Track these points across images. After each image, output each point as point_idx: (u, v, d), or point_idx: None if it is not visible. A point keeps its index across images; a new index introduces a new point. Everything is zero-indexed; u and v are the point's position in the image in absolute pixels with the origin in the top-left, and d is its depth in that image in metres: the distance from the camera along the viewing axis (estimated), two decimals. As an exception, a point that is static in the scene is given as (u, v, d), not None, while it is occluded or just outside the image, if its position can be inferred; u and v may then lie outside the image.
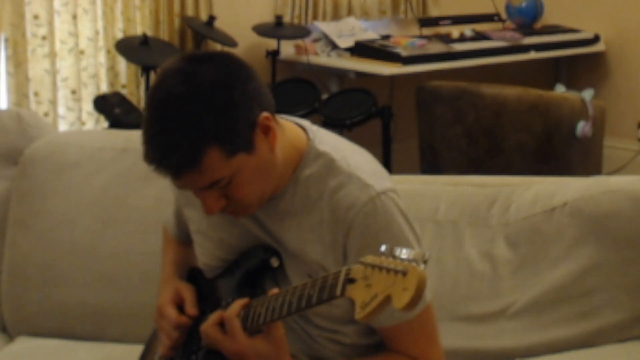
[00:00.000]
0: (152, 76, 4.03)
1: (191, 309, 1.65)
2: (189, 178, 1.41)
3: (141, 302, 2.04)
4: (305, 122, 1.61)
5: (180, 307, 1.67)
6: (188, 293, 1.68)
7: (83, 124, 4.08)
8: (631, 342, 1.81)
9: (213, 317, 1.50)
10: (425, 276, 1.15)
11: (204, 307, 1.67)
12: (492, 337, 1.85)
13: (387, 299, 1.17)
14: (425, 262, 1.17)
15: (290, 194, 1.54)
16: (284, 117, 1.59)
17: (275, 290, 1.46)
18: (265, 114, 1.44)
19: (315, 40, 4.73)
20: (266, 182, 1.49)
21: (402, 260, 1.18)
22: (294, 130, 1.56)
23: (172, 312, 1.66)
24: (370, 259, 1.22)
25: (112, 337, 2.12)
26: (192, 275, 1.77)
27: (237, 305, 1.48)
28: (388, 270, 1.18)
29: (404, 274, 1.16)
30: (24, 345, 2.14)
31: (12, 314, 2.20)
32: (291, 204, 1.54)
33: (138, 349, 1.82)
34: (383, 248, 1.22)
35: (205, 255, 1.68)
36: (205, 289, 1.70)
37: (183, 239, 1.82)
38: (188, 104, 1.38)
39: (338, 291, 1.27)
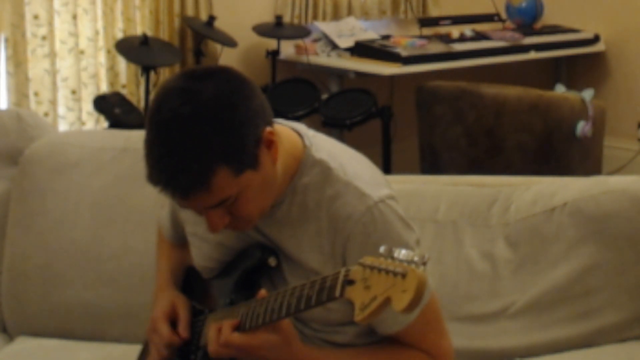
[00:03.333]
0: (152, 76, 4.04)
1: (184, 330, 1.64)
2: (197, 198, 1.40)
3: (141, 302, 2.04)
4: (301, 127, 1.59)
5: (174, 321, 1.67)
6: (183, 311, 1.67)
7: (83, 124, 4.08)
8: (631, 342, 1.81)
9: (213, 333, 1.49)
10: (425, 278, 1.15)
11: (202, 306, 1.67)
12: (492, 337, 1.86)
13: (387, 301, 1.17)
14: (424, 263, 1.17)
15: (288, 203, 1.53)
16: (279, 121, 1.58)
17: (263, 292, 1.46)
18: (269, 128, 1.44)
19: (315, 40, 4.73)
20: (268, 196, 1.48)
21: (401, 261, 1.17)
22: (290, 137, 1.55)
23: (164, 329, 1.65)
24: (369, 260, 1.21)
25: (112, 337, 2.12)
26: (189, 275, 1.77)
27: (227, 327, 1.47)
28: (387, 272, 1.17)
29: (403, 276, 1.15)
30: (24, 345, 2.14)
31: (12, 314, 2.20)
32: (288, 213, 1.53)
33: (138, 349, 1.82)
34: (382, 249, 1.21)
35: (202, 257, 1.67)
36: (203, 288, 1.69)
37: (178, 240, 1.82)
38: (195, 125, 1.36)
39: (337, 292, 1.27)
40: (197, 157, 1.36)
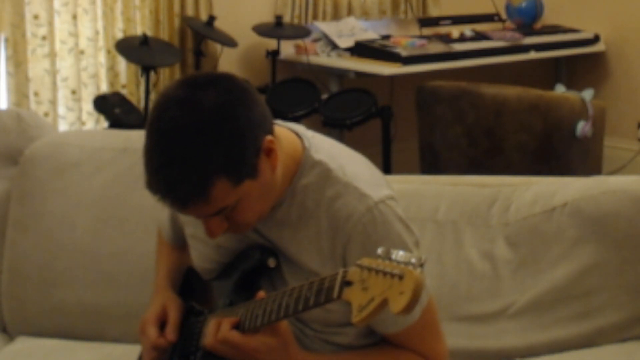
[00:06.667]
0: (152, 76, 4.04)
1: (171, 333, 1.63)
2: (196, 208, 1.40)
3: (141, 302, 2.03)
4: (300, 128, 1.59)
5: (164, 324, 1.66)
6: (174, 313, 1.66)
7: (83, 124, 4.08)
8: (631, 342, 1.81)
9: (212, 330, 1.49)
10: (422, 280, 1.15)
11: (202, 307, 1.67)
12: (493, 337, 1.86)
13: (384, 303, 1.17)
14: (422, 265, 1.17)
15: (287, 204, 1.53)
16: (278, 122, 1.57)
17: (261, 294, 1.46)
18: (268, 137, 1.43)
19: (315, 40, 4.73)
20: (267, 201, 1.48)
21: (399, 263, 1.17)
22: (289, 139, 1.54)
23: (151, 332, 1.64)
24: (366, 261, 1.21)
25: (112, 337, 2.12)
26: (189, 276, 1.77)
27: (226, 324, 1.47)
28: (384, 273, 1.17)
29: (401, 277, 1.15)
30: (24, 345, 2.14)
31: (12, 314, 2.20)
32: (288, 214, 1.53)
33: (138, 349, 1.81)
34: (379, 250, 1.21)
35: (201, 259, 1.67)
36: (203, 289, 1.69)
37: (178, 243, 1.81)
38: (195, 136, 1.36)
39: (335, 294, 1.27)
40: (197, 168, 1.36)
